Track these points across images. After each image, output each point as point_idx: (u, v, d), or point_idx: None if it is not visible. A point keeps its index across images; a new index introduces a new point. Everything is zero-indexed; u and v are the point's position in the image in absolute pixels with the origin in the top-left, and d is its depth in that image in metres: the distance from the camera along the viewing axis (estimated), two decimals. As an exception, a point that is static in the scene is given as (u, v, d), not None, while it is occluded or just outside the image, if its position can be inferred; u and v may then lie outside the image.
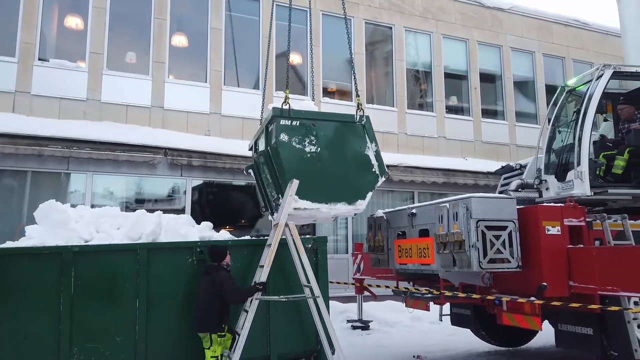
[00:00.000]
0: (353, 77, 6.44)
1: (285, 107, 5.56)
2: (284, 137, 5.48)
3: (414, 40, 13.95)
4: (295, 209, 5.44)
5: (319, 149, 5.60)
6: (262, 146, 6.06)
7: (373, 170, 5.80)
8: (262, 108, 7.27)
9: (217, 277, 5.00)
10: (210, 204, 11.02)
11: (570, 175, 6.23)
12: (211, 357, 5.00)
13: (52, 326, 4.81)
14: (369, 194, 5.73)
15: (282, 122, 5.53)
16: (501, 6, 14.98)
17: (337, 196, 5.54)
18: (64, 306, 4.86)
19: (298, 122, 5.58)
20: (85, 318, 4.92)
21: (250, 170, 6.61)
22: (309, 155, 5.54)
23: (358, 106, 5.93)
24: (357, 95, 6.18)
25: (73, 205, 5.86)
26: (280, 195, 5.68)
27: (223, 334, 5.12)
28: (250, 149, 6.86)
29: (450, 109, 14.06)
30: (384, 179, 5.85)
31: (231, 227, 10.11)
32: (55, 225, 5.26)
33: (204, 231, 5.94)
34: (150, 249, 5.24)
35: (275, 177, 5.70)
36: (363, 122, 5.87)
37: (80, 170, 9.72)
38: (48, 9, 10.40)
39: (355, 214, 5.94)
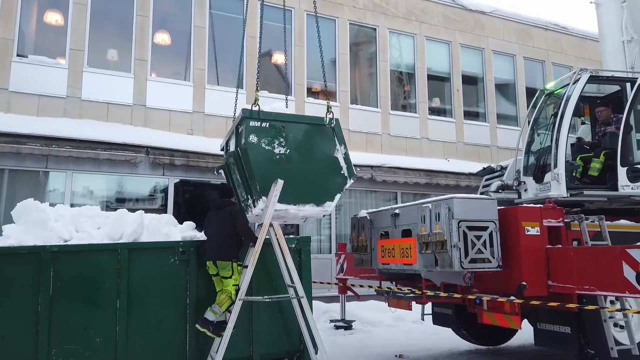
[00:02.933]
0: (324, 80, 6.47)
1: (255, 108, 5.59)
2: (253, 138, 5.53)
3: (398, 41, 14.06)
4: (262, 210, 5.51)
5: (289, 150, 5.66)
6: (232, 147, 6.09)
7: (342, 172, 5.87)
8: (235, 107, 7.26)
9: (234, 209, 5.44)
10: (192, 203, 10.94)
11: (548, 177, 6.34)
12: (233, 285, 5.19)
13: (30, 327, 4.72)
14: (338, 196, 5.80)
15: (252, 123, 5.57)
16: (483, 9, 15.19)
17: (305, 198, 5.60)
18: (43, 307, 4.78)
19: (268, 123, 5.63)
20: (64, 319, 4.84)
21: (221, 171, 6.61)
22: (278, 156, 5.61)
23: (328, 109, 6.00)
24: (327, 98, 6.23)
25: (52, 204, 5.75)
26: (249, 196, 5.74)
27: (241, 262, 5.35)
28: (222, 150, 6.86)
29: (433, 111, 14.20)
30: (352, 181, 5.93)
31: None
32: (33, 224, 5.15)
33: (186, 231, 5.88)
34: (131, 249, 5.18)
35: (245, 178, 5.74)
36: (332, 124, 5.94)
37: (59, 168, 9.55)
38: (27, 3, 10.19)
39: (324, 216, 6.03)
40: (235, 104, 7.22)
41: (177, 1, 11.66)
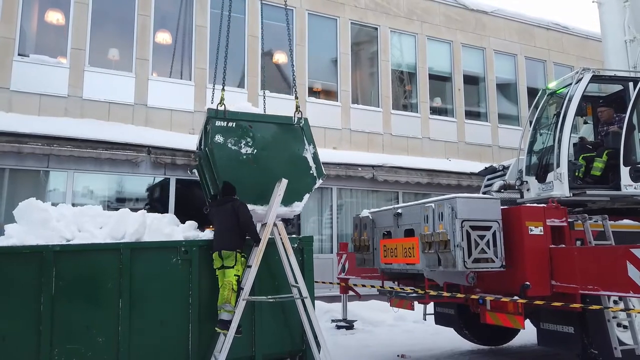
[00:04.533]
0: (293, 77, 6.40)
1: (221, 108, 5.54)
2: (219, 138, 5.53)
3: (399, 41, 14.04)
4: None
5: (256, 150, 5.65)
6: (203, 147, 6.07)
7: (311, 172, 5.85)
8: (212, 105, 7.18)
9: (235, 203, 5.37)
10: (194, 203, 10.90)
11: (550, 176, 6.29)
12: (234, 275, 5.21)
13: (32, 327, 4.73)
14: (306, 196, 5.79)
15: (218, 123, 5.56)
16: (484, 9, 15.16)
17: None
18: (45, 306, 4.77)
19: (234, 123, 5.60)
20: (66, 318, 4.84)
21: (195, 170, 6.60)
22: (244, 156, 5.60)
23: (296, 108, 5.94)
24: (296, 97, 6.18)
25: (53, 204, 5.74)
26: (208, 198, 5.72)
27: (245, 254, 5.40)
28: (197, 149, 6.84)
29: (434, 110, 14.17)
30: (321, 181, 5.90)
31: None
32: (35, 224, 5.14)
33: (189, 230, 5.88)
34: (133, 249, 5.18)
35: (213, 178, 5.71)
36: (301, 124, 5.88)
37: (60, 168, 9.53)
38: (28, 3, 10.18)
39: (293, 217, 6.00)
40: (212, 102, 7.12)
41: (179, 0, 11.64)
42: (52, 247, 4.88)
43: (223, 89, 5.86)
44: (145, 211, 5.76)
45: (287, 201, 5.62)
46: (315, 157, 5.88)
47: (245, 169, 5.58)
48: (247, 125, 5.70)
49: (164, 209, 10.23)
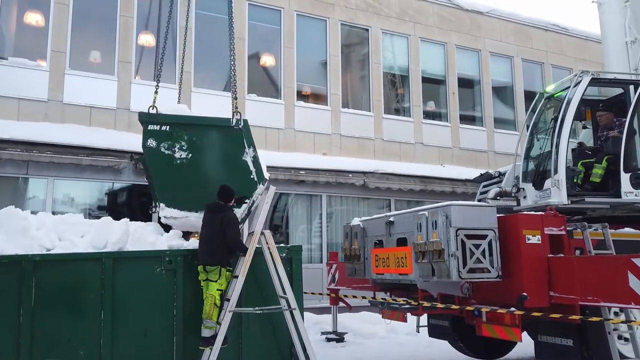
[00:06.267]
0: (233, 77, 6.19)
1: (153, 111, 5.45)
2: (151, 142, 5.47)
3: (391, 43, 13.90)
4: (167, 217, 5.48)
5: (191, 154, 5.55)
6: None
7: (251, 177, 5.71)
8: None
9: (226, 217, 5.24)
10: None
11: (548, 183, 6.26)
12: (217, 289, 5.14)
13: (11, 339, 4.69)
14: (247, 202, 5.66)
15: (150, 127, 5.48)
16: (479, 9, 15.02)
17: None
18: (24, 318, 4.71)
19: (168, 127, 5.50)
20: (46, 330, 4.77)
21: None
22: (178, 161, 5.50)
23: (235, 109, 5.76)
24: (235, 98, 6.02)
25: (33, 212, 5.68)
26: (156, 203, 5.63)
27: (231, 268, 5.31)
28: None
29: (428, 115, 14.03)
30: (262, 186, 5.73)
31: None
32: (14, 232, 5.09)
33: (173, 239, 5.77)
34: (116, 258, 5.17)
35: (151, 182, 5.64)
36: (240, 125, 5.70)
37: (40, 174, 9.37)
38: (6, 4, 10.01)
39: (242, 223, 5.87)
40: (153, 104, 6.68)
41: (162, 1, 11.38)
42: (32, 257, 4.83)
43: (156, 92, 5.71)
44: (128, 220, 5.63)
45: None
46: (255, 160, 5.75)
47: (180, 173, 5.51)
48: (182, 128, 5.58)
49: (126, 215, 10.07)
